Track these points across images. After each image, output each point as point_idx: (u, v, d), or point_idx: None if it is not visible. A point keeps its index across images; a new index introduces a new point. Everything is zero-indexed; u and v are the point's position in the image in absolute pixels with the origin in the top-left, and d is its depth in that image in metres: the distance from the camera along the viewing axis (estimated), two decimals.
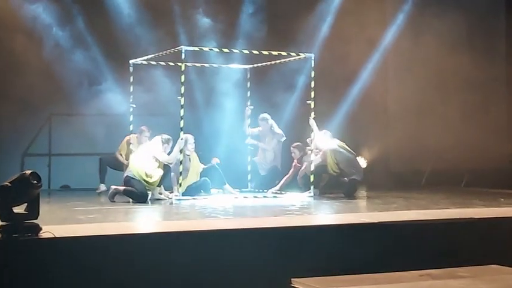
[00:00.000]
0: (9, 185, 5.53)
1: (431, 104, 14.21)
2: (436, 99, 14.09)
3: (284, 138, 12.35)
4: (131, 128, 11.88)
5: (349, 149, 11.37)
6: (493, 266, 5.31)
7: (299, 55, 11.62)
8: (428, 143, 14.45)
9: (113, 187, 10.30)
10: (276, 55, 11.68)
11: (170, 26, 13.48)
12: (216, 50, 11.82)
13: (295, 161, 12.01)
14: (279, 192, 11.49)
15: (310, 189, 11.06)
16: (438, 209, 8.75)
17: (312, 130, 11.21)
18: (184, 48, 10.52)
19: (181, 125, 10.43)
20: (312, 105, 11.12)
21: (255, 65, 12.75)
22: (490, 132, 13.50)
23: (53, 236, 5.57)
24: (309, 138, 11.42)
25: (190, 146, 11.02)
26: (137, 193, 10.05)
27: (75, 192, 11.94)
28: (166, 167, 10.46)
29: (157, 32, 13.27)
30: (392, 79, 15.46)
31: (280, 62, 12.35)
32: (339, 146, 11.26)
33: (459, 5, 14.32)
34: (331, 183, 11.60)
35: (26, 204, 5.75)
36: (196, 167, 11.25)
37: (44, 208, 6.09)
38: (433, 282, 4.81)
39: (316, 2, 14.40)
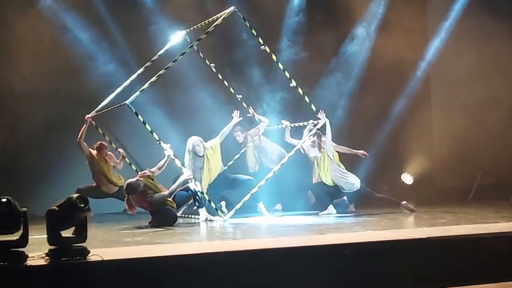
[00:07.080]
0: (57, 209, 5.58)
1: (477, 118, 14.04)
2: (482, 113, 13.92)
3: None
4: None
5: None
6: None
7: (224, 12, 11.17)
8: (475, 158, 14.27)
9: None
10: (208, 23, 11.33)
11: None
12: None
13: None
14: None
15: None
16: (488, 223, 8.59)
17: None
18: None
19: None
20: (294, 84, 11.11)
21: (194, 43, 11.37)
22: None
23: (101, 259, 5.59)
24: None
25: (198, 148, 10.72)
26: (167, 217, 9.96)
27: (117, 216, 12.00)
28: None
29: None
30: (437, 94, 15.32)
31: (214, 26, 11.06)
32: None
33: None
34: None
35: (73, 228, 5.79)
36: (214, 164, 10.90)
37: (91, 231, 6.12)
38: None
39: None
